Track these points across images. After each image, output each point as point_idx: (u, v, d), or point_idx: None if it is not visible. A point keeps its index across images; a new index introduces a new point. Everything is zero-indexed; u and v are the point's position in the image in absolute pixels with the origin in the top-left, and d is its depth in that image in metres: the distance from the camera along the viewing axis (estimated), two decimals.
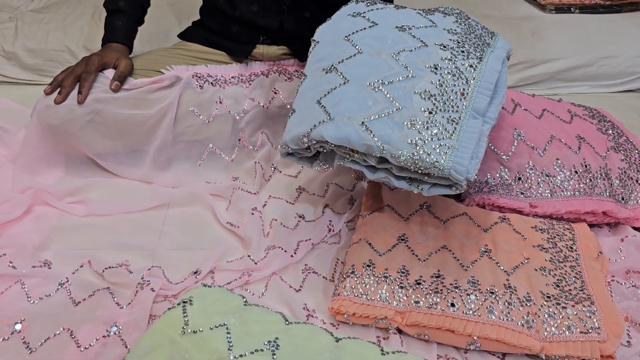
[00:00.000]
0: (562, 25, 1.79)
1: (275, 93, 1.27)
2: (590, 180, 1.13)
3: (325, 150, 0.95)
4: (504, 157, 1.14)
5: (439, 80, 0.91)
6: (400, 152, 0.86)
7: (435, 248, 0.98)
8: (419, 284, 0.92)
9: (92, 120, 1.13)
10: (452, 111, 0.89)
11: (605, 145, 1.19)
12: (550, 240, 1.01)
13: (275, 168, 1.25)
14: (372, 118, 0.89)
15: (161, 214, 1.13)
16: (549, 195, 1.11)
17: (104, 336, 0.85)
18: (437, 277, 0.93)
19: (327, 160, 0.98)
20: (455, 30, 1.01)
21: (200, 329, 0.77)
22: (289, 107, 1.26)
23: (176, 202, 1.15)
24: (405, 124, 0.87)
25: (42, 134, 1.13)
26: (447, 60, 0.94)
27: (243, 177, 1.22)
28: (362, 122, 0.88)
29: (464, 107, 0.90)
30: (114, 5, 1.25)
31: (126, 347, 0.84)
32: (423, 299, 0.89)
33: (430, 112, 0.88)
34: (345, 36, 1.01)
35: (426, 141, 0.86)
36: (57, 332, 0.84)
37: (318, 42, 1.05)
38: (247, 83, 1.31)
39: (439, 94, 0.90)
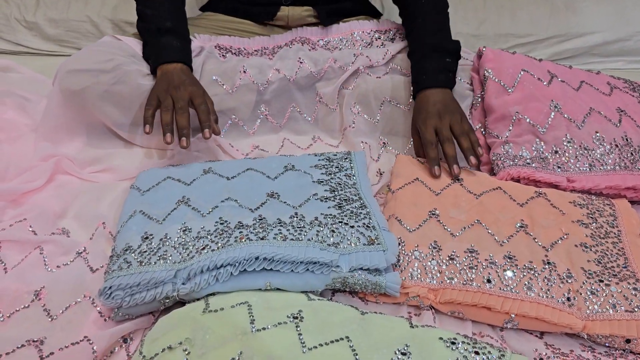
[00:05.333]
0: None
1: (301, 63, 1.23)
2: (632, 154, 1.07)
3: None
4: (540, 129, 1.08)
5: None
6: None
7: (469, 222, 0.94)
8: (452, 259, 0.87)
9: (113, 90, 1.10)
10: None
11: None
12: (590, 215, 0.96)
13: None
14: None
15: None
16: (588, 169, 1.06)
17: None
18: (471, 252, 0.88)
19: None
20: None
21: (222, 308, 0.76)
22: (315, 74, 1.22)
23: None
24: None
25: (63, 101, 1.10)
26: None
27: (266, 148, 1.19)
28: None
29: None
30: (162, 24, 1.14)
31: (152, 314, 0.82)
32: (457, 274, 0.85)
33: None
34: None
35: None
36: (79, 300, 0.81)
37: None
38: (271, 55, 1.27)
39: None
